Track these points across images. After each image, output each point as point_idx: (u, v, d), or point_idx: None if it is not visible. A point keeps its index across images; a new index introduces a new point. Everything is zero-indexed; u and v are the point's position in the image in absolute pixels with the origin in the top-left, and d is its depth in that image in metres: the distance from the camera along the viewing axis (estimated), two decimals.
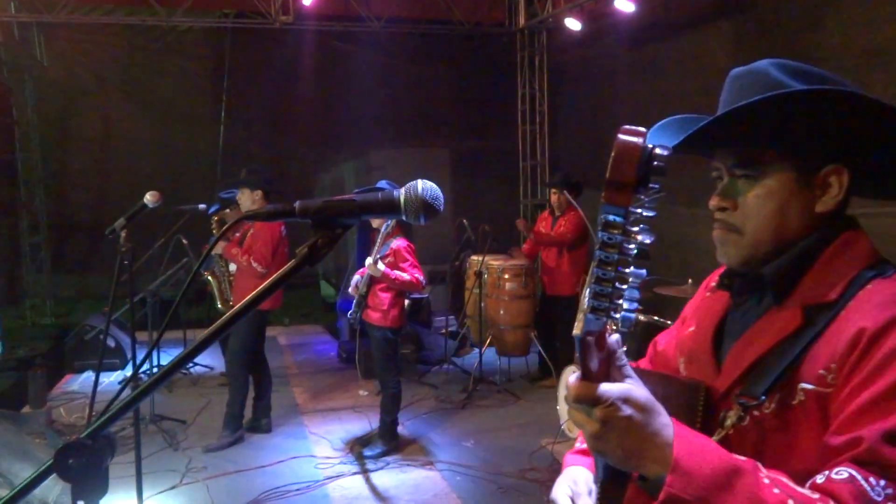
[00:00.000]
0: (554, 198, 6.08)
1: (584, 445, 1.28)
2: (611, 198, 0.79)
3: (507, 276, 6.38)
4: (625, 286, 0.80)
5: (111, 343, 6.61)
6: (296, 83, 8.60)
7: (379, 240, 4.51)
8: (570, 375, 0.88)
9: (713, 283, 1.24)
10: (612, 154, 0.79)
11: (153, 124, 8.43)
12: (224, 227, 1.24)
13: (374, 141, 8.51)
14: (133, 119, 8.42)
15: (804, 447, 0.97)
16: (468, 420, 5.44)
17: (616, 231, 0.79)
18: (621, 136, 0.80)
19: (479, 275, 6.37)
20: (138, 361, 4.15)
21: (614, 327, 0.81)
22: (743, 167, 1.08)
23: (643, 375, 0.95)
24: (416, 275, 4.53)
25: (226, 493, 4.20)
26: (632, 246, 0.80)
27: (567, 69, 8.68)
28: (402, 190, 0.97)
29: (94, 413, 3.92)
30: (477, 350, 6.46)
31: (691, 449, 0.87)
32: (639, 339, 4.38)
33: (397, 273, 4.48)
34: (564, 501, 1.15)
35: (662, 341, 1.38)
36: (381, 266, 4.46)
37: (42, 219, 8.40)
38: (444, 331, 7.23)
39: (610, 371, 0.87)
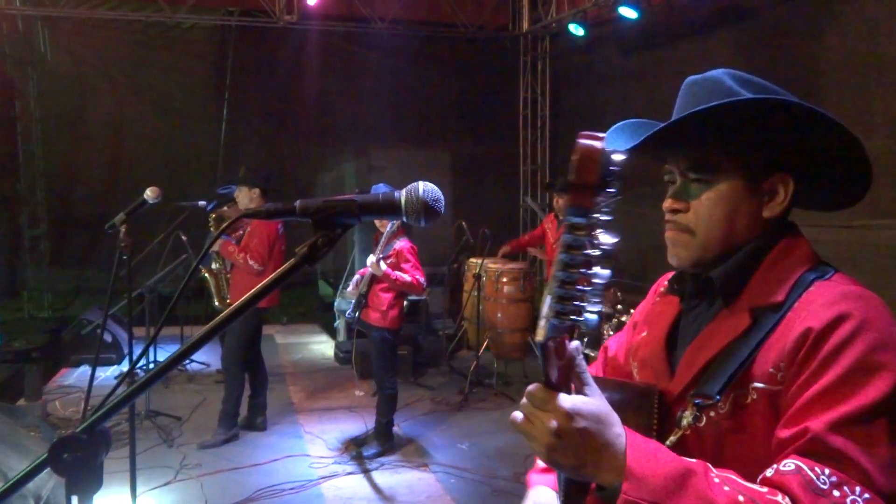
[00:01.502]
0: (558, 201, 6.07)
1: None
2: (575, 200, 0.79)
3: (505, 280, 6.38)
4: (589, 288, 0.80)
5: (108, 338, 6.61)
6: (298, 82, 8.61)
7: (383, 239, 4.50)
8: (531, 385, 0.88)
9: (662, 289, 1.29)
10: (575, 157, 0.80)
11: (155, 120, 8.43)
12: (223, 226, 1.25)
13: (376, 141, 8.50)
14: (135, 114, 8.41)
15: (759, 445, 1.00)
16: (464, 422, 5.44)
17: (581, 233, 0.79)
18: (582, 141, 0.81)
19: (477, 277, 6.38)
20: (135, 357, 4.15)
21: (581, 330, 0.81)
22: (696, 171, 1.12)
23: (598, 382, 0.95)
24: (418, 277, 4.53)
25: (220, 491, 4.19)
26: (595, 248, 0.80)
27: (569, 74, 8.70)
28: (404, 191, 0.97)
29: (89, 407, 3.92)
30: (474, 352, 6.46)
31: (644, 456, 0.89)
32: None
33: (398, 274, 4.48)
34: None
35: (613, 346, 1.41)
36: (382, 266, 4.46)
37: (42, 212, 8.40)
38: (441, 333, 7.23)
39: (569, 379, 0.89)
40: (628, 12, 6.52)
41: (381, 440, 4.75)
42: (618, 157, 0.81)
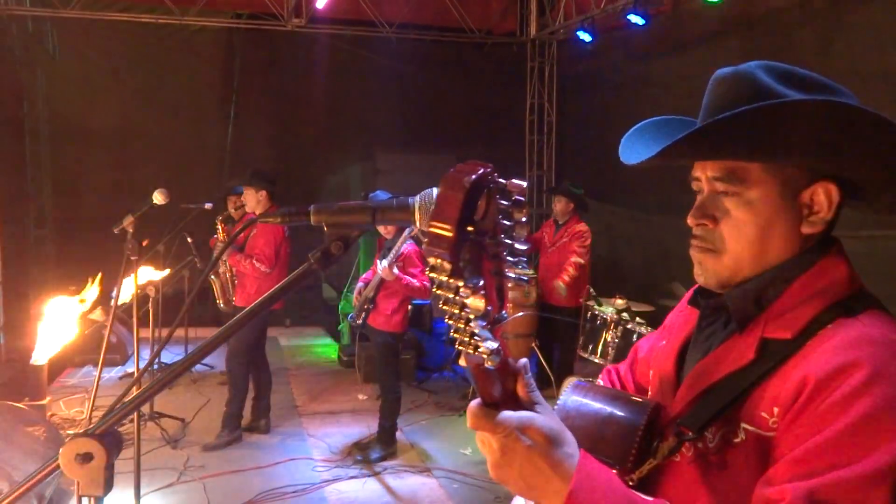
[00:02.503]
0: (557, 206, 6.08)
1: None
2: (435, 253, 0.68)
3: (509, 285, 6.35)
4: (477, 330, 0.72)
5: (112, 338, 6.62)
6: (306, 85, 8.63)
7: (398, 244, 4.50)
8: (473, 402, 0.82)
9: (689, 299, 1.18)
10: (437, 195, 0.70)
11: (162, 121, 8.45)
12: (233, 235, 1.25)
13: (382, 145, 8.52)
14: (143, 116, 8.44)
15: (740, 488, 0.91)
16: (467, 428, 5.40)
17: (442, 275, 0.69)
18: (447, 181, 0.70)
19: None
20: (143, 360, 4.16)
21: (490, 360, 0.73)
22: (725, 181, 0.99)
23: (591, 391, 0.91)
24: (426, 281, 4.53)
25: (222, 493, 4.19)
26: (463, 285, 0.69)
27: (576, 80, 8.71)
28: (418, 197, 0.97)
29: (94, 407, 3.93)
30: None
31: (591, 484, 0.81)
32: None
33: (409, 279, 4.48)
34: None
35: (644, 347, 1.33)
36: (395, 270, 4.45)
37: (48, 212, 8.43)
38: (444, 337, 7.22)
39: (516, 397, 0.83)
40: (636, 19, 6.52)
41: (384, 444, 4.74)
42: (507, 190, 0.73)
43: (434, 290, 0.71)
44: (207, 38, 8.49)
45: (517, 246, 0.75)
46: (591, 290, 5.10)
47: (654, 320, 4.76)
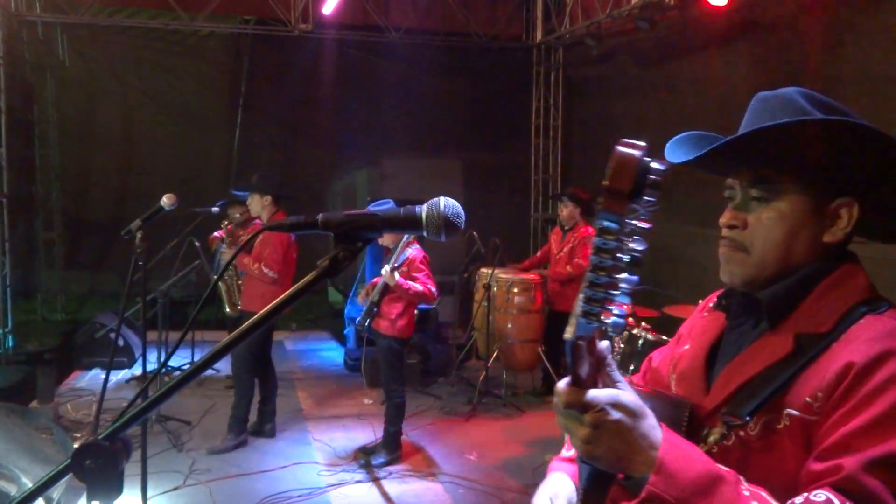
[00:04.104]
0: (564, 212, 6.08)
1: (570, 453, 1.32)
2: (608, 205, 0.83)
3: (515, 290, 6.37)
4: (616, 292, 0.83)
5: (120, 342, 6.64)
6: (313, 90, 8.66)
7: (399, 248, 4.50)
8: (561, 382, 0.91)
9: (711, 304, 1.28)
10: (611, 163, 0.84)
11: (170, 126, 8.50)
12: (245, 241, 1.26)
13: (388, 150, 8.53)
14: (151, 120, 8.49)
15: (785, 469, 1.00)
16: (472, 433, 5.43)
17: (611, 237, 0.82)
18: (620, 148, 0.84)
19: (487, 287, 6.37)
20: (152, 364, 4.18)
21: (606, 332, 0.84)
22: (759, 188, 1.10)
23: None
24: (430, 286, 4.53)
25: (228, 497, 4.21)
26: (625, 253, 0.82)
27: (582, 85, 8.72)
28: (425, 206, 0.98)
29: (102, 410, 3.95)
30: (483, 363, 6.45)
31: (677, 453, 0.90)
32: (645, 357, 4.37)
33: (411, 284, 4.48)
34: None
35: (657, 357, 1.41)
36: (396, 276, 4.46)
37: (57, 215, 8.48)
38: (450, 342, 7.23)
39: (600, 377, 0.91)
40: (643, 24, 6.53)
41: (390, 449, 4.75)
42: (657, 167, 0.84)
43: (593, 252, 0.83)
44: (215, 43, 8.54)
45: (639, 224, 0.85)
46: None
47: (659, 326, 4.75)
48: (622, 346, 4.48)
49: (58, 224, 8.49)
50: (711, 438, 1.06)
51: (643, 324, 4.54)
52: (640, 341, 4.38)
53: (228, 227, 5.97)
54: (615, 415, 0.88)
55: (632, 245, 0.83)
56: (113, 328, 6.59)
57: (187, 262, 6.09)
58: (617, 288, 0.83)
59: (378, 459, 4.70)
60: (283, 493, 4.25)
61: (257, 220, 5.21)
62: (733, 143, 1.07)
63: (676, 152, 1.17)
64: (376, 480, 4.51)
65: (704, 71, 6.20)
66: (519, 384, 6.51)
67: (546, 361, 6.22)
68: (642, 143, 0.84)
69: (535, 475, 4.58)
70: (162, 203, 3.24)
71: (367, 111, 8.64)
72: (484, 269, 6.71)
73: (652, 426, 0.91)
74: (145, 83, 8.39)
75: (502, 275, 6.44)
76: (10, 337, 6.97)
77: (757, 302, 1.12)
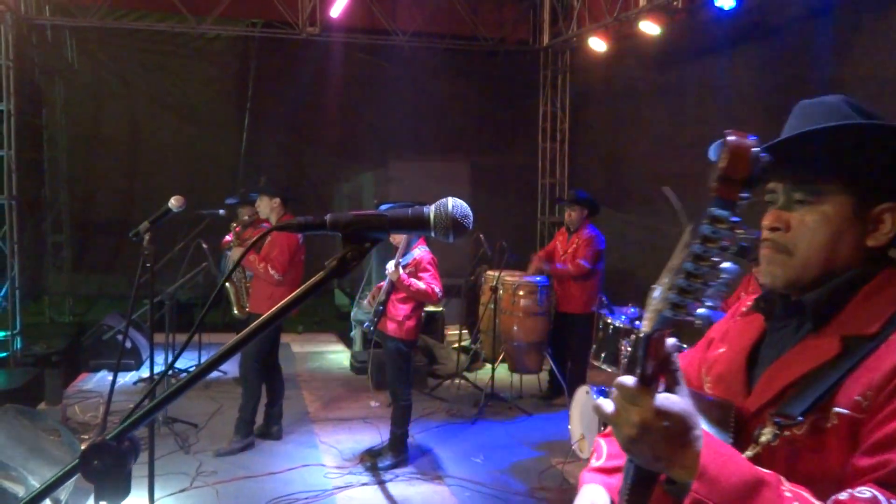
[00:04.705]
0: (573, 215, 6.06)
1: (600, 463, 1.32)
2: (721, 191, 0.82)
3: (521, 293, 6.36)
4: (717, 282, 0.82)
5: (127, 344, 6.66)
6: (319, 93, 8.68)
7: (402, 246, 4.49)
8: (624, 376, 0.92)
9: (744, 308, 1.29)
10: (727, 150, 0.84)
11: (178, 129, 8.54)
12: (252, 241, 1.26)
13: (395, 153, 8.55)
14: (159, 123, 8.54)
15: (831, 468, 1.01)
16: (478, 436, 5.42)
17: (722, 226, 0.81)
18: (733, 137, 0.84)
19: (494, 290, 6.37)
20: (159, 365, 4.19)
21: (694, 323, 0.84)
22: (803, 191, 1.11)
23: None
24: (434, 286, 4.51)
25: (235, 499, 4.21)
26: (734, 242, 0.82)
27: (589, 89, 8.70)
28: (433, 207, 0.97)
29: (109, 412, 3.97)
30: (489, 365, 6.44)
31: (719, 459, 0.91)
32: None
33: (413, 281, 4.47)
34: None
35: (683, 362, 1.39)
36: (400, 270, 4.45)
37: (65, 218, 8.53)
38: (456, 345, 7.22)
39: (661, 375, 0.92)
40: (650, 28, 6.51)
41: (396, 451, 4.74)
42: (766, 158, 0.84)
43: (698, 242, 0.82)
44: (223, 46, 8.58)
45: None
46: (604, 298, 5.09)
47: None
48: (629, 348, 4.46)
49: (66, 226, 8.54)
50: (763, 439, 1.06)
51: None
52: None
53: (237, 228, 5.99)
54: (665, 422, 0.89)
55: (742, 233, 0.82)
56: (120, 330, 6.61)
57: (194, 264, 6.11)
58: (718, 278, 0.82)
59: (384, 462, 4.70)
60: (289, 495, 4.25)
61: (265, 223, 5.23)
62: (784, 143, 1.08)
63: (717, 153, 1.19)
64: (382, 483, 4.51)
65: (712, 74, 6.18)
66: (525, 387, 6.49)
67: (552, 364, 6.20)
68: (751, 134, 0.85)
69: (542, 479, 4.57)
70: (170, 205, 3.25)
71: (374, 114, 8.66)
72: (490, 272, 6.71)
73: (696, 435, 0.92)
74: (153, 86, 8.44)
75: (508, 277, 6.43)
76: (18, 339, 7.00)
77: (799, 305, 1.13)
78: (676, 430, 0.90)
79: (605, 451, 1.34)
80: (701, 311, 0.82)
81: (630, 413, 0.90)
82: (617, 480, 1.24)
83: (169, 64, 8.44)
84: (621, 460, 1.27)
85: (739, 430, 1.11)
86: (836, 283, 1.10)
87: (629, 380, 0.90)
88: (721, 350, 1.28)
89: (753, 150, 0.83)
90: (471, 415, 5.81)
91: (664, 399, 0.90)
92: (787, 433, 1.06)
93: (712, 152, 1.16)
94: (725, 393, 1.20)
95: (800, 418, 1.04)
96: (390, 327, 4.64)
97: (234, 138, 8.73)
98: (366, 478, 4.56)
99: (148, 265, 3.16)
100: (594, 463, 1.34)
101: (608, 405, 0.94)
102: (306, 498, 4.24)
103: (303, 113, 8.73)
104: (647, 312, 0.86)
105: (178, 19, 7.81)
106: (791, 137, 1.08)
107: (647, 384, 0.89)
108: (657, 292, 0.85)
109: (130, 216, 7.95)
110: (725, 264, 0.82)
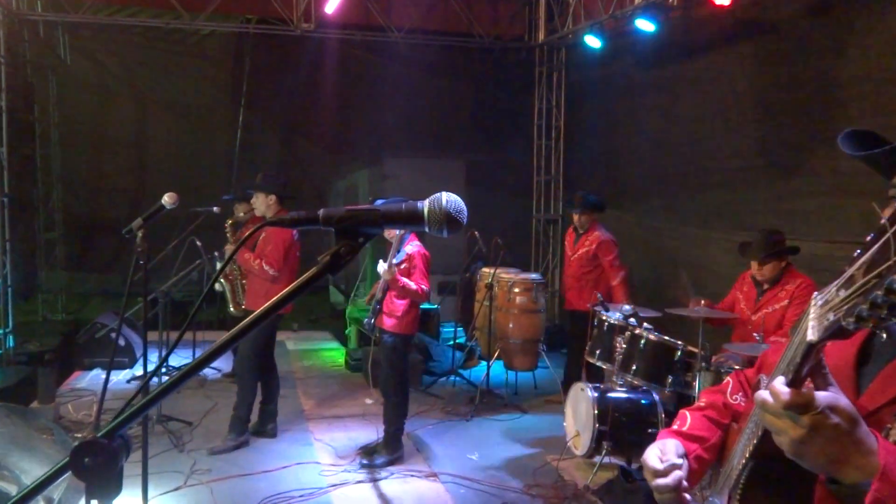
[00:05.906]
0: (582, 217, 5.99)
1: (683, 429, 1.36)
2: None
3: (517, 290, 6.36)
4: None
5: (121, 342, 6.63)
6: (314, 90, 8.66)
7: (394, 245, 4.48)
8: (777, 381, 0.92)
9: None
10: None
11: (172, 125, 8.52)
12: (245, 236, 1.25)
13: (390, 150, 8.54)
14: (152, 120, 8.51)
15: None
16: (474, 433, 5.42)
17: None
18: None
19: (489, 287, 6.36)
20: (153, 363, 4.17)
21: (882, 334, 0.86)
22: None
23: None
24: (422, 285, 4.50)
25: (229, 497, 4.19)
26: None
27: (584, 86, 8.70)
28: (427, 201, 0.96)
29: (102, 410, 3.95)
30: (484, 363, 6.43)
31: (892, 457, 0.91)
32: (647, 357, 4.35)
33: (405, 280, 4.46)
34: (654, 462, 1.25)
35: (775, 356, 1.42)
36: (393, 270, 4.43)
37: (58, 215, 8.49)
38: (451, 342, 7.22)
39: (815, 378, 0.93)
40: (646, 25, 6.50)
41: (391, 449, 4.73)
42: None
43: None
44: (217, 42, 8.54)
45: None
46: (599, 295, 5.09)
47: (661, 326, 4.73)
48: (624, 345, 4.46)
49: (58, 224, 8.50)
50: (892, 439, 1.06)
51: (645, 324, 4.52)
52: (643, 341, 4.37)
53: (234, 234, 5.99)
54: (834, 419, 0.90)
55: None
56: (114, 328, 6.59)
57: (189, 261, 6.09)
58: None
59: (379, 459, 4.69)
60: (284, 493, 4.24)
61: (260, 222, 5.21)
62: None
63: (850, 145, 1.19)
64: (377, 480, 4.50)
65: (708, 72, 6.17)
66: (520, 384, 6.49)
67: (548, 361, 6.20)
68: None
69: (536, 475, 4.57)
70: (163, 202, 3.23)
71: (369, 111, 8.65)
72: (486, 269, 6.70)
73: (866, 433, 0.92)
74: (147, 82, 8.40)
75: (504, 274, 6.43)
76: (10, 337, 6.96)
77: None
78: (846, 428, 0.90)
79: (690, 421, 1.37)
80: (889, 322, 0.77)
81: (794, 416, 0.91)
82: (694, 447, 1.29)
83: (163, 60, 8.40)
84: (703, 432, 1.32)
85: None
86: None
87: (782, 387, 0.91)
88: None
89: None
90: (466, 412, 5.81)
91: (829, 396, 0.91)
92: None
93: (842, 145, 1.18)
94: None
95: None
96: (388, 323, 4.63)
97: (229, 135, 8.70)
98: (361, 475, 4.55)
99: (141, 262, 3.14)
100: (675, 427, 1.37)
101: (766, 396, 0.93)
102: (301, 496, 4.23)
103: (298, 110, 8.71)
104: (812, 320, 0.86)
105: (173, 15, 7.77)
106: None
107: (798, 385, 0.90)
108: (821, 300, 0.84)
109: (124, 213, 7.91)
110: None
